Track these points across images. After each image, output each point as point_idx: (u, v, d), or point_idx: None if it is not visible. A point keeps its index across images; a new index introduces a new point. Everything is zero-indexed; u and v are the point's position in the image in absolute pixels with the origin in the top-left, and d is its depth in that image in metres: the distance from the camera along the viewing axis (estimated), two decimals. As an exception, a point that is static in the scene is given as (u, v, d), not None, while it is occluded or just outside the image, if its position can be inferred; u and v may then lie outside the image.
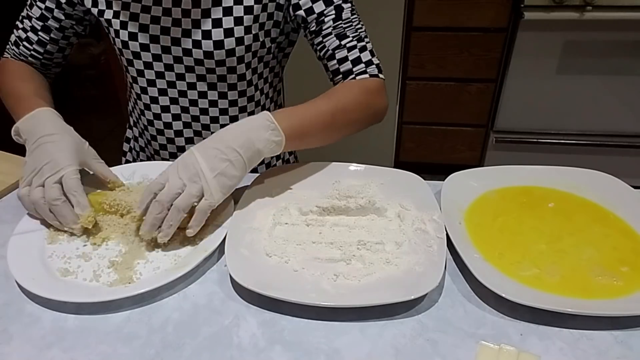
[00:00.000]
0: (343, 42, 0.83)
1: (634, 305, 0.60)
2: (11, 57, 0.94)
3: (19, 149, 0.96)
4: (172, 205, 0.66)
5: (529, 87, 1.96)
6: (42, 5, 0.88)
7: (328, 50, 0.84)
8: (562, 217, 0.75)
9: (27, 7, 0.90)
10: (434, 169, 1.66)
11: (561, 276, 0.65)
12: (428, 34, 1.93)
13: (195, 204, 0.67)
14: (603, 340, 0.58)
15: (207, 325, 0.61)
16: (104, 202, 0.75)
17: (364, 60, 0.84)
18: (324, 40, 0.84)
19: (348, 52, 0.83)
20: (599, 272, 0.65)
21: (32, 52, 0.92)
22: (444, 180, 0.80)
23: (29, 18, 0.90)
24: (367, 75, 0.84)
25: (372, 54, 0.86)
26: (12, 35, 0.93)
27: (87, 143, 0.79)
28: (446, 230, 0.69)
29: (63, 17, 0.89)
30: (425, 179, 0.80)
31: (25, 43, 0.91)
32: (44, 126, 0.76)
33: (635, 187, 0.78)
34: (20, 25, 0.91)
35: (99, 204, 0.75)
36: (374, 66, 0.85)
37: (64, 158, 0.72)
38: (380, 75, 0.85)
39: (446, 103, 2.08)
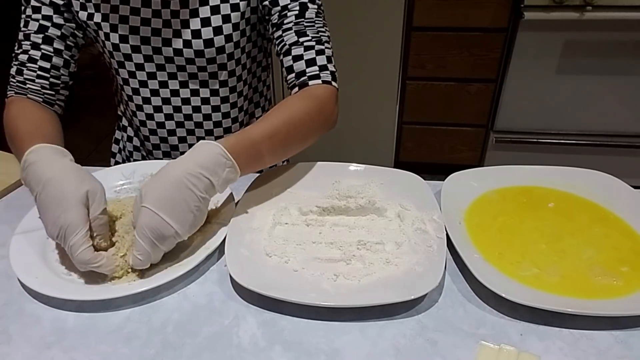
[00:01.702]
0: (301, 40, 0.82)
1: (634, 305, 0.60)
2: (15, 93, 0.86)
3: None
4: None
5: (529, 87, 1.95)
6: (38, 16, 0.84)
7: (285, 44, 0.83)
8: (562, 217, 0.75)
9: (22, 28, 0.85)
10: (434, 169, 1.66)
11: (561, 276, 0.65)
12: (428, 34, 1.93)
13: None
14: (603, 340, 0.58)
15: (207, 325, 0.61)
16: None
17: (318, 63, 0.82)
18: (283, 34, 0.83)
19: (304, 50, 0.82)
20: (599, 272, 0.65)
21: (38, 72, 0.85)
22: (444, 180, 0.80)
23: (27, 37, 0.85)
24: (319, 81, 0.81)
25: (329, 61, 0.83)
26: (12, 67, 0.86)
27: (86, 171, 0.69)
28: (446, 230, 0.69)
29: (63, 22, 0.85)
30: (425, 179, 0.80)
31: (29, 64, 0.85)
32: (39, 172, 0.66)
33: (635, 187, 0.78)
34: (18, 51, 0.86)
35: None
36: (328, 72, 0.82)
37: (65, 219, 0.62)
38: (334, 83, 0.82)
39: (446, 103, 2.08)
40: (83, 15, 0.85)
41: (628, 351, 0.57)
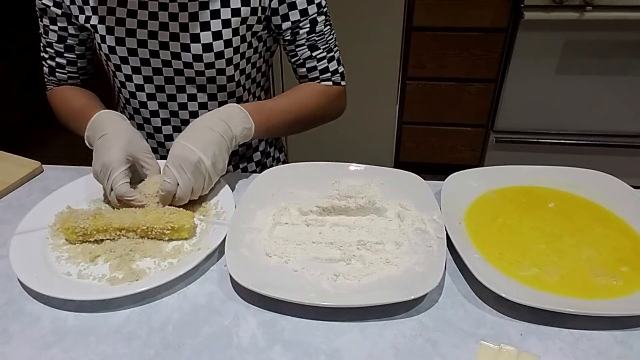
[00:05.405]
0: (314, 54, 0.90)
1: (634, 305, 0.60)
2: (53, 87, 0.97)
3: (19, 149, 0.97)
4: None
5: (529, 87, 1.95)
6: (56, 27, 0.89)
7: (299, 58, 0.91)
8: (562, 217, 0.75)
9: (43, 35, 0.91)
10: (434, 169, 1.66)
11: (561, 276, 0.65)
12: (428, 34, 1.93)
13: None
14: (603, 340, 0.58)
15: (207, 325, 0.61)
16: (88, 229, 0.70)
17: (330, 69, 0.92)
18: (297, 49, 0.90)
19: (317, 62, 0.91)
20: (599, 272, 0.65)
21: (69, 74, 0.95)
22: (444, 180, 0.80)
23: (50, 45, 0.91)
24: (330, 83, 0.93)
25: (339, 63, 0.93)
26: (44, 68, 0.95)
27: (140, 135, 0.81)
28: (446, 230, 0.69)
29: (78, 31, 0.90)
30: (425, 179, 0.80)
31: (58, 70, 0.94)
32: (99, 129, 0.78)
33: (635, 187, 0.78)
34: (46, 56, 0.94)
35: (73, 233, 0.70)
36: (338, 75, 0.93)
37: (110, 159, 0.74)
38: (342, 83, 0.95)
39: (446, 103, 2.08)
40: (81, 18, 0.86)
41: (628, 351, 0.57)
